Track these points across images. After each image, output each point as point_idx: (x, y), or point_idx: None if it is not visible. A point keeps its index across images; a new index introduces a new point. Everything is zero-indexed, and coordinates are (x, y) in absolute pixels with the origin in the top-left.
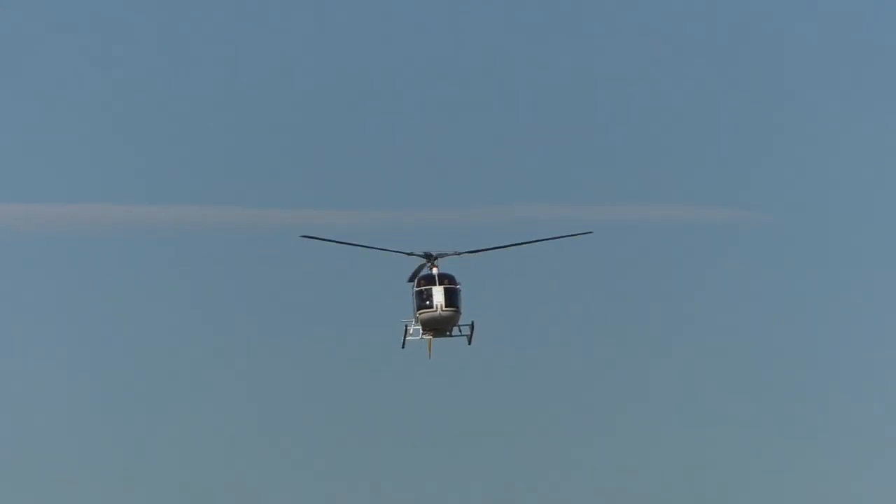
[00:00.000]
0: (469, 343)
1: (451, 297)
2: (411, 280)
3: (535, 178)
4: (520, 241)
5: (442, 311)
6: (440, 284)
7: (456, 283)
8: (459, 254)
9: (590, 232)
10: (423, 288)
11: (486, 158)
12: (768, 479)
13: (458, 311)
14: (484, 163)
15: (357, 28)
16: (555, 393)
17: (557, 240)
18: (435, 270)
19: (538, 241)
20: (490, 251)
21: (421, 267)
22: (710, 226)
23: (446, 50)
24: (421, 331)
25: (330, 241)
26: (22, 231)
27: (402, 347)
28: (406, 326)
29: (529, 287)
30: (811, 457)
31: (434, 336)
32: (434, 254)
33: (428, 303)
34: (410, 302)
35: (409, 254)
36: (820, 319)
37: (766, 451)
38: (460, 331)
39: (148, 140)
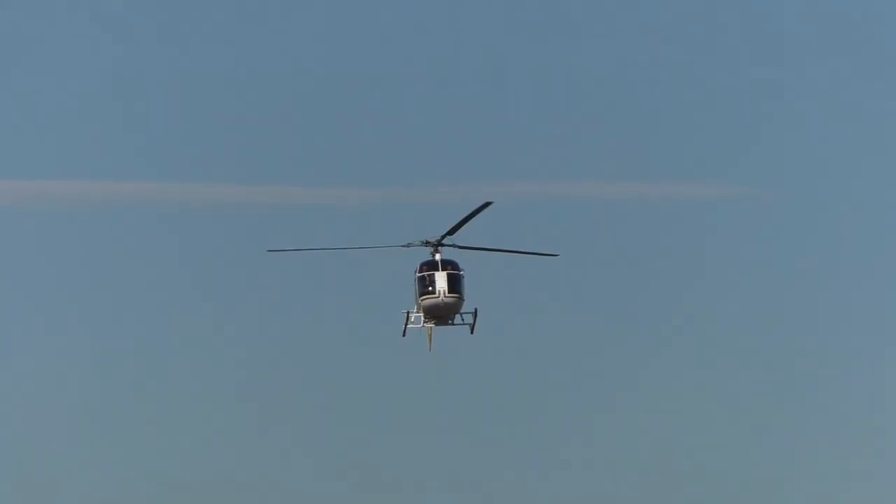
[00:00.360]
0: (472, 332)
1: (454, 284)
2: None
3: (525, 156)
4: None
5: (444, 297)
6: (443, 270)
7: (459, 270)
8: (454, 245)
9: (490, 202)
10: (425, 273)
11: (477, 135)
12: (772, 468)
13: (460, 298)
14: (473, 140)
15: (339, 8)
16: (560, 384)
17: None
18: (438, 256)
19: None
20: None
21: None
22: (704, 203)
23: (428, 27)
24: (422, 318)
25: (303, 249)
26: (11, 208)
27: (403, 336)
28: (407, 314)
29: (529, 274)
30: (814, 447)
31: (436, 324)
32: (434, 241)
33: (430, 288)
34: (410, 291)
35: (406, 245)
36: (817, 301)
37: (771, 436)
38: (462, 319)
39: (142, 117)
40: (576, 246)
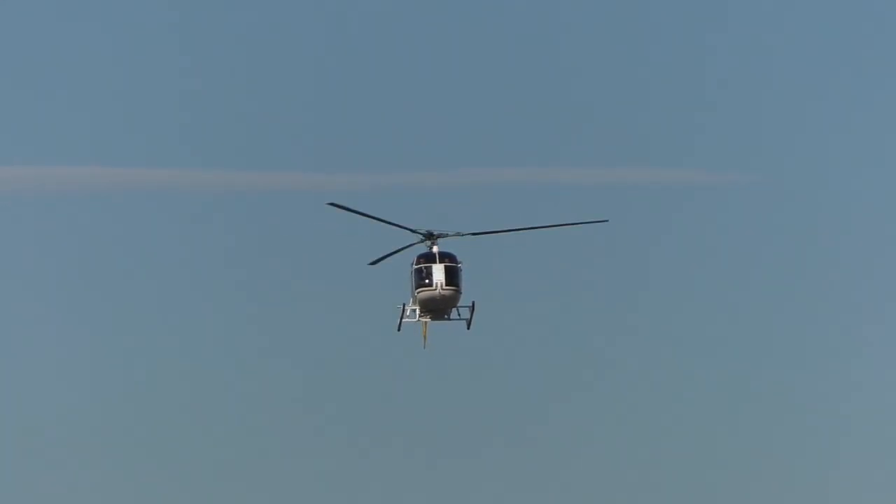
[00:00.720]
0: (468, 327)
1: (452, 276)
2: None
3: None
4: (527, 227)
5: (442, 290)
6: (440, 262)
7: (457, 262)
8: (462, 235)
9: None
10: (422, 266)
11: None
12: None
13: (458, 292)
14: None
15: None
16: (559, 382)
17: (572, 224)
18: (435, 249)
19: (548, 226)
20: (494, 234)
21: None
22: (698, 189)
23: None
24: (418, 312)
25: (357, 212)
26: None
27: (398, 330)
28: (403, 307)
29: (527, 269)
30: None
31: (431, 319)
32: (435, 233)
33: (427, 281)
34: (407, 284)
35: (413, 231)
36: (813, 289)
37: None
38: (459, 314)
39: (143, 104)
40: (575, 240)
